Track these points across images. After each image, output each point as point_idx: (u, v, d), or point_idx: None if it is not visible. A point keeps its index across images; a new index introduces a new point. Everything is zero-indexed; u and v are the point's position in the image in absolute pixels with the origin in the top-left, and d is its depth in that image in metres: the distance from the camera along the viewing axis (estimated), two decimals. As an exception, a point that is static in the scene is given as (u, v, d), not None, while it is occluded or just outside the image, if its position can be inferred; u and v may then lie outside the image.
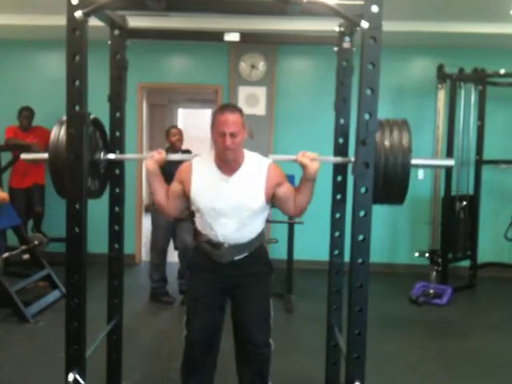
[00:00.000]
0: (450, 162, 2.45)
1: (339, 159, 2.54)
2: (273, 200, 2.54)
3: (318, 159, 2.39)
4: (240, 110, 2.41)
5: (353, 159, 2.16)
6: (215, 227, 2.48)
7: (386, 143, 2.22)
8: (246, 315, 2.54)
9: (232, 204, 2.43)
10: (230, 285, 2.55)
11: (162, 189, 2.53)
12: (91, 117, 2.26)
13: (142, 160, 2.56)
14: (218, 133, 2.35)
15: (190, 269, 2.70)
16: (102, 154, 2.48)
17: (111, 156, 2.52)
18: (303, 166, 2.39)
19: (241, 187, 2.44)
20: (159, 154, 2.47)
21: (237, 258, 2.52)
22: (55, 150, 2.28)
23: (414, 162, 2.27)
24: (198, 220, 2.58)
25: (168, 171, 4.43)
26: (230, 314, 2.62)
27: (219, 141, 2.35)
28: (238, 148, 2.39)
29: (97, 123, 2.44)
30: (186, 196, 2.51)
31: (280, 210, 2.63)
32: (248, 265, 2.55)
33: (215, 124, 2.36)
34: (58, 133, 2.30)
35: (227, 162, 2.42)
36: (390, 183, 2.21)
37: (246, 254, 2.53)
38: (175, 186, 2.52)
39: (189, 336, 2.51)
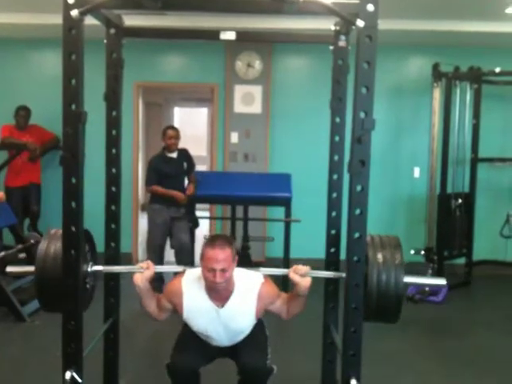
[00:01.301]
0: (443, 282, 2.48)
1: (331, 274, 2.56)
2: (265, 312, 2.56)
3: (310, 274, 2.37)
4: (230, 243, 2.38)
5: (344, 275, 2.19)
6: (209, 340, 2.56)
7: (379, 261, 2.22)
8: (241, 352, 2.56)
9: (224, 330, 2.49)
10: (225, 351, 2.63)
11: (152, 302, 2.54)
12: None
13: (132, 271, 2.52)
14: (207, 268, 2.32)
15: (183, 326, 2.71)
16: (90, 265, 2.38)
17: (99, 268, 2.45)
18: (295, 283, 2.38)
19: (233, 317, 2.46)
20: (148, 270, 2.43)
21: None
22: (42, 265, 2.26)
23: (407, 280, 2.27)
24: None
25: (166, 171, 4.42)
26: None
27: (209, 275, 2.32)
28: (227, 281, 2.38)
29: (85, 234, 2.38)
30: (177, 312, 2.53)
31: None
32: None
33: (205, 258, 2.33)
34: (45, 248, 2.28)
35: (217, 291, 2.42)
36: (383, 303, 2.21)
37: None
38: (165, 303, 2.54)
39: (173, 362, 2.53)
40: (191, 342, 2.57)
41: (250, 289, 2.46)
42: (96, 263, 2.45)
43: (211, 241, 2.37)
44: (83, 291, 2.31)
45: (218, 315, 2.45)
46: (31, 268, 2.29)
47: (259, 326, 2.62)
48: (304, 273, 2.35)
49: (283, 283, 4.68)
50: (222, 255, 2.30)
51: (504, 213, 5.75)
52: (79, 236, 2.16)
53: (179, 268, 2.59)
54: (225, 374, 2.89)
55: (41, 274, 2.26)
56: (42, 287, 2.29)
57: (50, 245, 2.28)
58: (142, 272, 2.43)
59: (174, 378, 2.54)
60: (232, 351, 2.60)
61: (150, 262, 2.49)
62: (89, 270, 2.37)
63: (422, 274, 5.21)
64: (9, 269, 2.53)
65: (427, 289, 4.99)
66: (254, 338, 2.58)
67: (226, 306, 2.44)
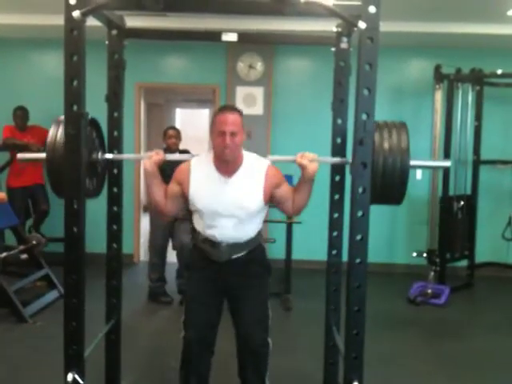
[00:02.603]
0: (447, 163, 2.48)
1: (337, 159, 2.56)
2: (271, 201, 2.54)
3: (317, 160, 2.38)
4: (240, 111, 2.42)
5: (350, 160, 2.16)
6: (214, 227, 2.49)
7: (385, 145, 2.22)
8: (244, 315, 2.54)
9: (231, 205, 2.44)
10: (227, 285, 2.56)
11: (159, 189, 2.53)
12: (88, 118, 2.25)
13: (140, 160, 2.56)
14: (217, 132, 2.36)
15: (188, 269, 2.71)
16: (100, 153, 2.47)
17: (109, 156, 2.53)
18: (302, 167, 2.40)
19: (239, 188, 2.44)
20: (157, 155, 2.47)
21: (235, 256, 2.52)
22: (53, 149, 2.28)
23: (412, 163, 2.27)
24: (196, 219, 2.58)
25: (167, 172, 4.43)
26: (230, 314, 2.62)
27: (219, 140, 2.35)
28: (237, 148, 2.39)
29: (93, 123, 2.44)
30: (184, 197, 2.51)
31: (278, 209, 2.63)
32: (246, 264, 2.55)
33: (215, 123, 2.38)
34: (56, 132, 2.30)
35: (226, 163, 2.42)
36: (388, 184, 2.22)
37: (244, 253, 2.54)
38: (173, 187, 2.53)
39: (187, 335, 2.51)
40: (197, 306, 2.52)
41: (257, 166, 2.49)
42: (104, 151, 2.52)
43: (221, 108, 2.43)
44: (95, 177, 2.41)
45: (225, 184, 2.44)
46: (42, 154, 2.31)
47: (263, 301, 2.57)
48: (311, 158, 2.39)
49: (282, 282, 4.68)
50: (232, 118, 2.35)
51: (506, 215, 5.74)
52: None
53: (189, 156, 2.61)
54: (226, 373, 2.89)
55: (51, 158, 2.28)
56: (52, 171, 2.31)
57: (60, 129, 2.28)
58: (150, 158, 2.46)
59: (195, 348, 2.50)
60: (233, 298, 2.56)
61: (159, 150, 2.51)
62: (99, 157, 2.44)
63: (425, 276, 5.21)
64: (19, 155, 2.55)
65: (429, 291, 4.99)
66: (257, 309, 2.54)
67: (234, 177, 2.45)
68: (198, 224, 2.57)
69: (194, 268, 2.63)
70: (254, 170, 2.48)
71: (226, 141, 2.33)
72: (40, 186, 5.63)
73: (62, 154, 2.19)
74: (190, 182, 2.47)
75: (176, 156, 2.60)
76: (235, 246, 2.51)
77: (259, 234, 2.61)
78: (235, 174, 2.45)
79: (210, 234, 2.51)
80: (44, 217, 5.62)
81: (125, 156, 2.69)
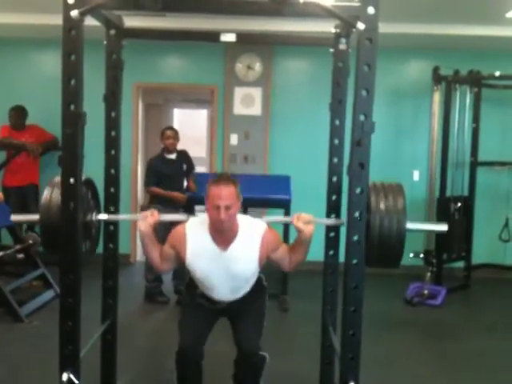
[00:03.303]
0: (444, 227, 2.47)
1: (333, 221, 2.55)
2: (268, 260, 2.55)
3: (313, 221, 2.38)
4: (234, 181, 2.39)
5: (345, 223, 2.17)
6: (210, 290, 2.55)
7: (382, 207, 2.19)
8: (239, 332, 2.58)
9: (226, 276, 2.47)
10: (225, 311, 2.64)
11: (155, 250, 2.53)
12: (83, 177, 2.25)
13: (135, 219, 2.56)
14: (212, 205, 2.33)
15: (185, 294, 2.74)
16: (94, 214, 2.44)
17: (103, 217, 2.49)
18: (298, 231, 2.39)
19: (236, 261, 2.45)
20: (152, 217, 2.43)
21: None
22: (47, 211, 2.28)
23: (408, 225, 2.25)
24: (194, 278, 2.59)
25: (165, 172, 4.39)
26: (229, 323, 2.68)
27: (214, 213, 2.32)
28: (232, 220, 2.38)
29: (89, 184, 2.42)
30: (179, 260, 2.53)
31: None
32: (244, 297, 2.62)
33: (210, 196, 2.34)
34: (50, 194, 2.30)
35: (222, 232, 2.41)
36: (385, 247, 2.20)
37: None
38: (168, 250, 2.53)
39: (180, 351, 2.51)
40: (193, 318, 2.57)
41: (253, 234, 2.46)
42: (99, 211, 2.50)
43: (216, 180, 2.37)
44: (88, 239, 2.38)
45: (221, 258, 2.43)
46: (36, 216, 2.32)
47: (260, 300, 2.64)
48: (307, 220, 2.36)
49: (279, 283, 4.67)
50: (227, 191, 2.31)
51: (503, 216, 5.75)
52: (76, 235, 2.15)
53: (183, 217, 2.58)
54: (221, 375, 2.89)
55: (46, 220, 2.28)
56: (46, 234, 2.31)
57: (55, 191, 2.29)
58: (145, 219, 2.44)
59: (181, 364, 2.53)
60: (231, 313, 2.61)
61: (154, 210, 2.49)
62: (93, 218, 2.41)
63: (421, 277, 5.22)
64: (13, 217, 2.59)
65: (426, 292, 4.99)
66: (253, 312, 2.59)
67: (230, 249, 2.43)
68: (197, 282, 2.59)
69: (190, 295, 2.66)
70: (250, 238, 2.46)
71: (221, 216, 2.30)
72: (33, 188, 5.60)
73: (57, 216, 2.21)
74: (186, 252, 2.47)
75: (171, 217, 2.60)
76: (232, 300, 2.59)
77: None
78: (231, 246, 2.44)
79: (206, 293, 2.57)
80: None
81: (120, 217, 2.67)
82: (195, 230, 2.47)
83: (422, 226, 2.59)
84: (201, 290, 2.58)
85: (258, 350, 2.52)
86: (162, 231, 4.81)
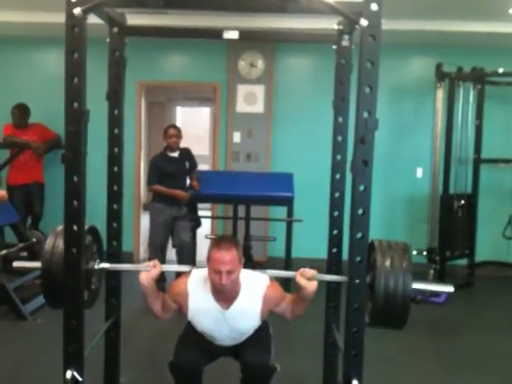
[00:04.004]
0: (450, 289, 2.45)
1: (335, 277, 2.50)
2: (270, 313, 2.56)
3: (316, 278, 2.36)
4: (236, 244, 2.38)
5: (346, 278, 2.16)
6: (212, 340, 2.56)
7: (387, 268, 2.17)
8: (245, 351, 2.55)
9: (228, 333, 2.50)
10: (227, 350, 2.63)
11: (156, 301, 2.52)
12: (87, 227, 2.25)
13: (137, 270, 2.53)
14: (213, 270, 2.31)
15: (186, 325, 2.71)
16: (97, 262, 2.42)
17: (105, 265, 2.47)
18: (301, 287, 2.37)
19: (238, 318, 2.46)
20: (155, 269, 2.42)
21: None
22: (49, 260, 2.26)
23: (414, 286, 2.22)
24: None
25: (167, 170, 4.39)
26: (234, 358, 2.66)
27: (215, 277, 2.31)
28: (234, 283, 2.37)
29: (92, 231, 2.41)
30: (181, 312, 2.53)
31: None
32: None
33: (211, 260, 2.32)
34: (53, 243, 2.28)
35: (223, 293, 2.41)
36: (390, 308, 2.18)
37: None
38: (170, 302, 2.53)
39: (175, 362, 2.51)
40: (194, 341, 2.56)
41: (255, 291, 2.45)
42: (102, 260, 2.47)
43: (217, 242, 2.35)
44: (88, 289, 2.33)
45: (224, 317, 2.44)
46: (37, 264, 2.30)
47: (263, 325, 2.61)
48: (311, 276, 2.34)
49: (285, 283, 4.67)
50: (228, 257, 2.29)
51: (506, 214, 5.74)
52: (81, 234, 2.15)
53: (186, 268, 2.57)
54: (227, 373, 2.89)
55: (47, 270, 2.27)
56: (47, 283, 2.30)
57: (57, 241, 2.28)
58: (148, 270, 2.42)
59: (177, 376, 2.53)
60: (235, 350, 2.59)
61: (157, 261, 2.47)
62: (95, 267, 2.39)
63: (424, 274, 5.21)
64: (15, 264, 2.56)
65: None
66: (257, 336, 2.57)
67: (232, 308, 2.43)
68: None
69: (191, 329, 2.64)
70: (253, 295, 2.45)
71: (223, 281, 2.29)
72: (38, 186, 5.62)
73: (59, 265, 2.20)
74: (188, 309, 2.47)
75: (173, 267, 2.58)
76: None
77: None
78: (233, 305, 2.44)
79: (209, 339, 2.58)
80: (37, 219, 5.61)
81: (123, 267, 2.66)
82: (197, 287, 2.46)
83: (429, 287, 2.57)
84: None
85: (266, 360, 2.51)
86: (165, 226, 4.85)
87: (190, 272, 2.53)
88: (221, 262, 2.28)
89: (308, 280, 2.34)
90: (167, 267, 2.48)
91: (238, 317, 2.45)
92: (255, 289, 2.46)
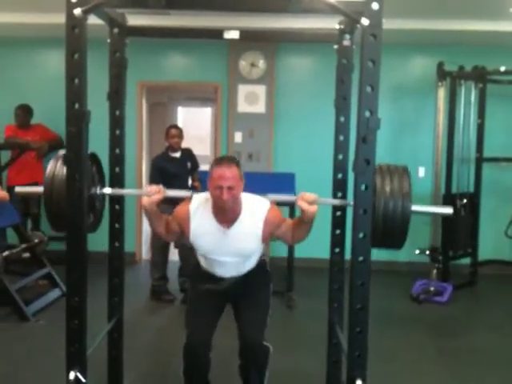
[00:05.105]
0: (449, 210, 2.47)
1: (338, 201, 2.53)
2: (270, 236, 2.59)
3: (317, 201, 2.36)
4: (237, 163, 2.41)
5: (351, 202, 2.15)
6: (214, 267, 2.59)
7: (387, 189, 2.19)
8: (243, 321, 2.59)
9: (230, 253, 2.51)
10: (229, 295, 2.66)
11: (160, 223, 2.56)
12: (89, 152, 2.25)
13: (140, 194, 2.54)
14: (214, 186, 2.34)
15: (191, 279, 2.80)
16: (98, 188, 2.44)
17: (107, 191, 2.49)
18: (301, 210, 2.37)
19: (238, 238, 2.48)
20: (158, 194, 2.41)
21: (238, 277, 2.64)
22: (51, 184, 2.29)
23: (413, 208, 2.24)
24: (197, 255, 2.67)
25: (169, 170, 4.39)
26: (234, 317, 2.68)
27: (216, 193, 2.34)
28: (235, 200, 2.40)
29: (93, 158, 2.43)
30: (184, 235, 2.57)
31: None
32: (247, 278, 2.64)
33: (212, 177, 2.36)
34: (55, 167, 2.31)
35: (225, 212, 2.43)
36: (389, 229, 2.19)
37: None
38: (173, 224, 2.56)
39: (189, 342, 2.51)
40: (201, 307, 2.60)
41: (256, 212, 2.48)
42: (103, 186, 2.50)
43: (218, 161, 2.40)
44: (91, 214, 2.36)
45: (225, 235, 2.46)
46: (40, 188, 2.32)
47: (264, 305, 2.63)
48: (312, 200, 2.34)
49: (285, 281, 4.65)
50: (229, 173, 2.33)
51: (509, 212, 5.72)
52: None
53: (187, 193, 2.58)
54: (227, 369, 2.89)
55: (49, 193, 2.29)
56: (50, 208, 2.32)
57: (58, 166, 2.30)
58: (150, 196, 2.42)
59: (199, 352, 2.54)
60: (237, 305, 2.63)
61: (160, 186, 2.46)
62: (97, 192, 2.42)
63: (427, 274, 5.20)
64: (17, 189, 2.60)
65: (432, 289, 4.98)
66: (257, 302, 2.61)
67: (233, 228, 2.46)
68: (200, 259, 2.66)
69: (196, 280, 2.72)
70: (253, 217, 2.48)
71: (224, 196, 2.32)
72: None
73: (60, 189, 2.21)
74: (190, 230, 2.51)
75: (176, 192, 2.58)
76: (236, 277, 2.63)
77: (259, 257, 2.69)
78: (234, 225, 2.47)
79: (211, 270, 2.62)
80: (36, 220, 5.59)
81: (124, 191, 2.65)
82: (198, 209, 2.50)
83: (427, 209, 2.57)
84: (205, 268, 2.63)
85: (260, 340, 2.52)
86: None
87: (191, 198, 2.55)
88: (222, 178, 2.31)
89: (309, 204, 2.34)
90: (170, 192, 2.49)
91: (240, 237, 2.47)
92: (256, 210, 2.48)
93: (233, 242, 2.47)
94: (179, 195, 2.59)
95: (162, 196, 2.42)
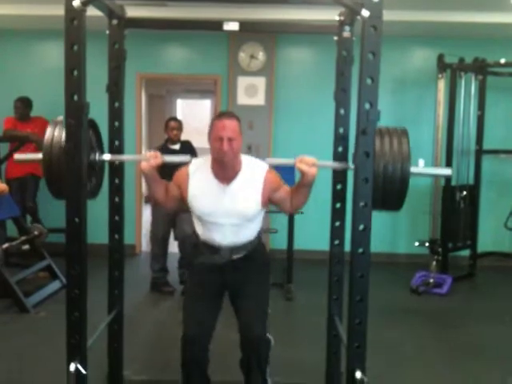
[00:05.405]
0: (448, 172, 2.48)
1: (338, 164, 2.53)
2: (269, 202, 2.56)
3: (317, 164, 2.35)
4: (237, 118, 2.44)
5: (352, 166, 2.15)
6: (212, 232, 2.53)
7: (386, 151, 2.20)
8: (243, 310, 2.56)
9: (228, 212, 2.47)
10: (228, 282, 2.60)
11: (159, 189, 2.55)
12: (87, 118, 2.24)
13: (138, 161, 2.53)
14: (215, 138, 2.36)
15: (190, 267, 2.75)
16: (97, 154, 2.45)
17: (106, 157, 2.50)
18: (301, 173, 2.36)
19: (237, 196, 2.46)
20: (156, 159, 2.42)
21: (235, 257, 2.56)
22: (50, 149, 2.27)
23: (412, 170, 2.26)
24: (195, 222, 2.62)
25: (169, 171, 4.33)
26: (232, 308, 2.64)
27: (216, 145, 2.35)
28: (235, 154, 2.40)
29: (91, 124, 2.42)
30: (183, 200, 2.55)
31: (276, 207, 2.65)
32: (246, 261, 2.58)
33: (213, 129, 2.39)
34: (53, 132, 2.29)
35: (224, 169, 2.43)
36: (388, 190, 2.20)
37: (244, 254, 2.57)
38: (173, 188, 2.55)
39: (186, 334, 2.50)
40: (197, 300, 2.55)
41: (256, 172, 2.49)
42: (102, 152, 2.50)
43: (219, 115, 2.46)
44: (90, 180, 2.36)
45: (224, 193, 2.45)
46: (39, 155, 2.31)
47: (263, 294, 2.60)
48: (311, 163, 2.33)
49: (284, 273, 4.67)
50: (230, 124, 2.36)
51: (508, 204, 5.73)
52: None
53: (186, 158, 2.57)
54: (227, 361, 2.90)
55: (48, 158, 2.27)
56: (49, 175, 2.30)
57: (57, 132, 2.29)
58: (148, 161, 2.42)
59: (196, 347, 2.51)
60: (235, 295, 2.59)
61: (158, 153, 2.46)
62: (96, 158, 2.42)
63: (427, 266, 5.21)
64: (16, 156, 2.59)
65: (432, 280, 4.99)
66: (257, 293, 2.56)
67: (232, 184, 2.46)
68: (198, 227, 2.61)
69: (195, 267, 2.66)
70: (252, 176, 2.48)
71: (224, 147, 2.33)
72: (33, 179, 5.58)
73: (59, 155, 2.20)
74: (188, 189, 2.49)
75: (174, 158, 2.57)
76: (235, 249, 2.55)
77: (259, 234, 2.64)
78: (233, 182, 2.46)
79: (209, 237, 2.56)
80: (32, 213, 5.58)
81: (124, 157, 2.66)
82: (198, 168, 2.51)
83: (426, 171, 2.59)
84: (203, 238, 2.57)
85: (263, 333, 2.51)
86: (167, 218, 4.86)
87: (190, 162, 2.56)
88: (222, 129, 2.34)
89: (308, 166, 2.33)
90: (168, 158, 2.49)
91: (239, 194, 2.45)
92: (256, 169, 2.50)
93: (232, 200, 2.45)
94: (177, 160, 2.58)
95: (159, 161, 2.43)
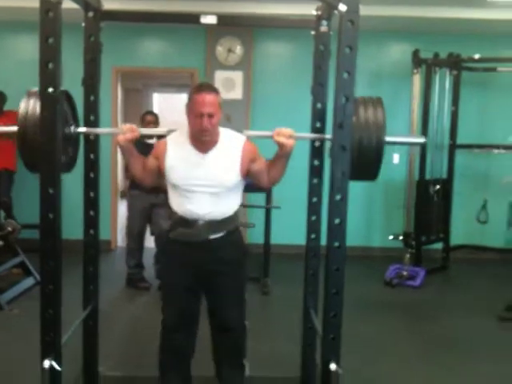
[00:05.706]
0: (422, 140, 2.54)
1: (315, 135, 2.55)
2: (247, 175, 2.53)
3: (294, 136, 2.36)
4: (216, 90, 2.40)
5: (328, 136, 2.14)
6: (190, 203, 2.46)
7: (361, 120, 2.21)
8: (220, 300, 2.55)
9: (207, 180, 2.42)
10: (204, 273, 2.53)
11: (137, 162, 2.52)
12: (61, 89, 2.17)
13: (115, 134, 2.49)
14: (194, 114, 2.33)
15: (164, 254, 2.69)
16: (73, 127, 2.40)
17: (82, 129, 2.46)
18: (279, 145, 2.36)
19: (216, 164, 2.44)
20: (132, 133, 2.39)
21: (212, 236, 2.48)
22: (24, 122, 2.23)
23: (387, 139, 2.28)
24: (172, 198, 2.55)
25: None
26: (205, 300, 2.63)
27: (196, 121, 2.33)
28: (215, 128, 2.38)
29: (67, 96, 2.38)
30: (161, 172, 2.52)
31: (254, 182, 2.62)
32: (223, 248, 2.52)
33: (192, 104, 2.35)
34: (27, 105, 2.25)
35: (202, 142, 2.42)
36: (364, 160, 2.21)
37: (221, 234, 2.50)
38: (151, 161, 2.54)
39: (166, 321, 2.50)
40: (175, 292, 2.54)
41: (234, 142, 2.48)
42: (77, 125, 2.45)
43: (198, 87, 2.39)
44: (66, 153, 2.30)
45: (202, 161, 2.43)
46: (13, 128, 2.26)
47: (240, 287, 2.60)
48: (288, 135, 2.34)
49: (261, 267, 4.68)
50: (209, 99, 2.32)
51: (481, 198, 5.85)
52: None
53: (163, 130, 2.58)
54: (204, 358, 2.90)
55: (23, 132, 2.22)
56: (24, 148, 2.25)
57: (32, 104, 2.24)
58: (125, 134, 2.40)
59: (175, 335, 2.52)
60: (210, 285, 2.56)
61: (134, 126, 2.44)
62: (71, 131, 2.37)
63: (401, 259, 5.29)
64: None
65: (405, 273, 5.06)
66: (234, 294, 2.57)
67: (211, 153, 2.44)
68: (174, 201, 2.53)
69: (169, 254, 2.61)
70: (231, 145, 2.47)
71: (204, 123, 2.31)
72: (7, 173, 5.49)
73: (34, 127, 2.15)
74: (166, 157, 2.47)
75: (151, 130, 2.52)
76: (212, 225, 2.47)
77: (236, 215, 2.58)
78: (211, 151, 2.44)
79: (185, 209, 2.47)
80: (5, 208, 5.48)
81: (99, 130, 2.61)
82: (176, 138, 2.50)
83: (400, 139, 2.63)
84: (179, 214, 2.50)
85: (242, 319, 2.52)
86: (143, 213, 4.82)
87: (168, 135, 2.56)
88: (202, 104, 2.30)
89: (286, 138, 2.33)
90: (145, 130, 2.46)
91: (218, 161, 2.43)
92: (234, 140, 2.48)
93: (210, 168, 2.42)
94: (154, 132, 2.56)
95: (137, 134, 2.41)
